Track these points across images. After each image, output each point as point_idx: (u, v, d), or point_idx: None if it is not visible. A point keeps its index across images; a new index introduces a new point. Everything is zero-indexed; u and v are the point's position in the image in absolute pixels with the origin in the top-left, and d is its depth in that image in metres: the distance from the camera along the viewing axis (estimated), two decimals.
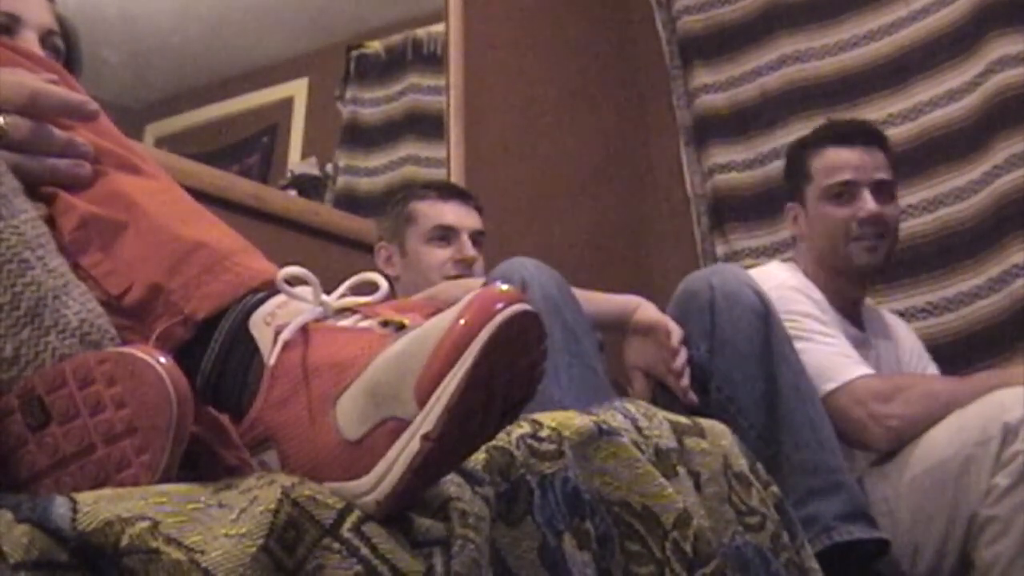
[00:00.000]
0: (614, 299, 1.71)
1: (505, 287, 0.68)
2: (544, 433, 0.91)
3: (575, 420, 0.97)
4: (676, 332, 1.64)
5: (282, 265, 0.80)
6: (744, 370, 1.61)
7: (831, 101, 2.74)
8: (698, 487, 1.07)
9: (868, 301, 2.11)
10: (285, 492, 0.65)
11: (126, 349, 0.74)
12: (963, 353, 2.26)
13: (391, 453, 0.67)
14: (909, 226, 2.50)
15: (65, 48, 1.27)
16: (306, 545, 0.63)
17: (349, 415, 0.69)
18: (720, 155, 2.91)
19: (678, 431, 1.11)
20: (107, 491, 0.64)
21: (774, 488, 1.21)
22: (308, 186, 2.25)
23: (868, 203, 1.93)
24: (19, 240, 0.78)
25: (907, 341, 2.09)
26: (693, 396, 1.59)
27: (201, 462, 0.82)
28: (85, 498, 0.61)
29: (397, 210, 1.99)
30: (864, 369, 1.79)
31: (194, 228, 0.87)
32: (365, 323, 0.75)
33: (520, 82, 2.80)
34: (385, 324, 0.74)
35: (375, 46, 2.54)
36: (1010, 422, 1.56)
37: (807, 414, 1.60)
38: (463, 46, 2.58)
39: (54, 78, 0.96)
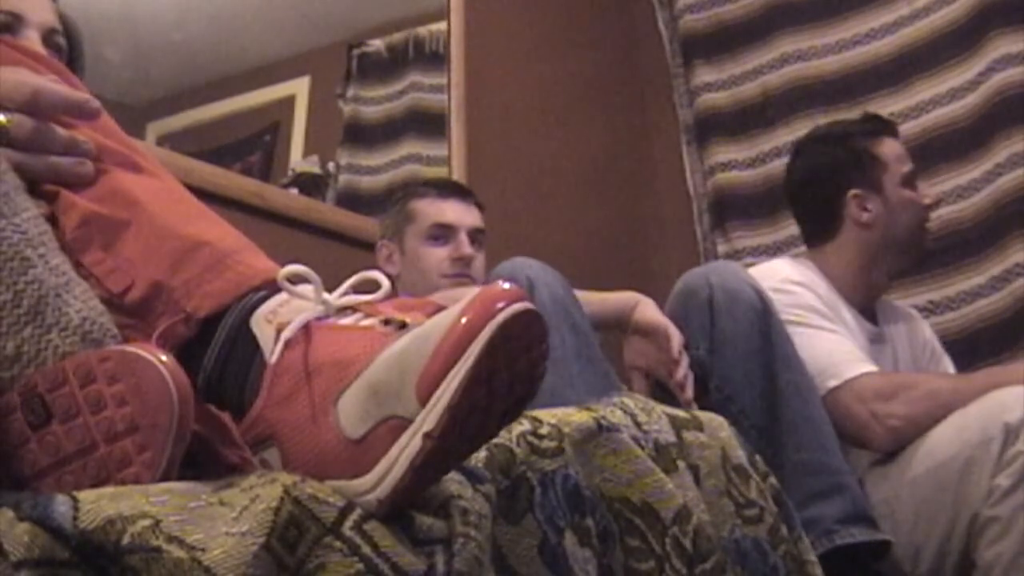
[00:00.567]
0: (612, 298, 1.71)
1: (507, 286, 0.68)
2: (544, 430, 0.91)
3: (575, 417, 0.97)
4: (676, 338, 1.63)
5: (284, 263, 0.80)
6: (744, 369, 1.61)
7: (833, 100, 2.74)
8: (697, 481, 1.07)
9: (884, 299, 2.11)
10: (286, 490, 0.65)
11: (128, 347, 0.74)
12: (965, 351, 2.26)
13: (393, 451, 0.67)
14: None
15: (67, 46, 1.28)
16: (307, 543, 0.63)
17: (351, 413, 0.69)
18: (722, 154, 2.91)
19: (677, 425, 1.11)
20: (108, 489, 0.64)
21: (772, 480, 1.21)
22: (310, 184, 2.25)
23: (930, 190, 2.06)
24: (21, 238, 0.79)
25: (921, 334, 2.09)
26: (694, 406, 1.59)
27: (202, 460, 0.82)
28: (86, 496, 0.61)
29: (397, 208, 1.99)
30: (867, 366, 1.79)
31: (196, 226, 0.87)
32: (367, 322, 0.75)
33: (522, 81, 2.79)
34: (387, 323, 0.74)
35: (377, 44, 2.54)
36: (1011, 422, 1.56)
37: (808, 414, 1.60)
38: (465, 44, 2.58)
39: (56, 77, 0.96)
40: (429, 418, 0.66)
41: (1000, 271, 2.37)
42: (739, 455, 1.18)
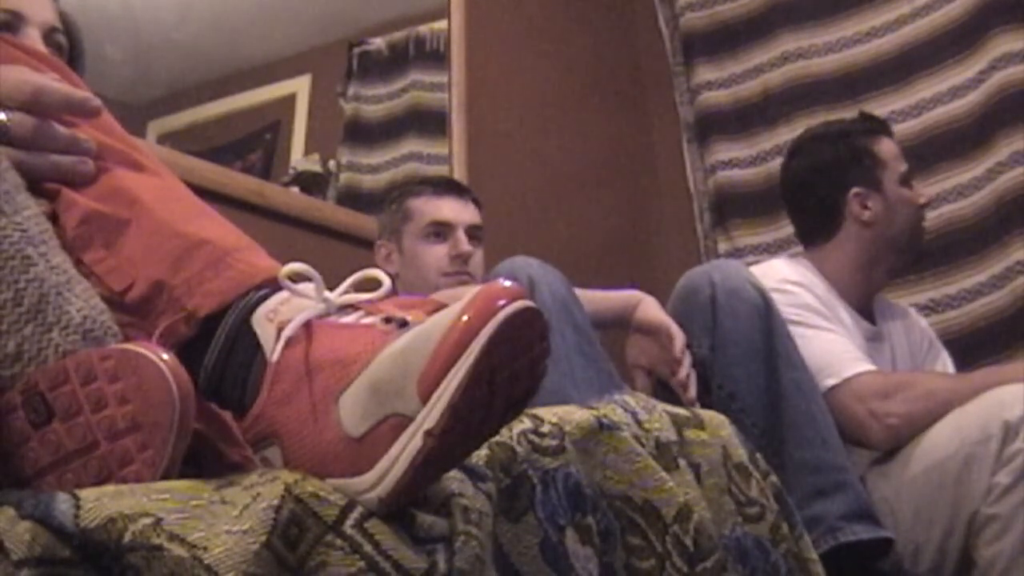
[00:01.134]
0: (613, 297, 1.71)
1: (508, 284, 0.68)
2: (545, 428, 0.91)
3: (576, 415, 0.97)
4: (679, 338, 1.63)
5: (285, 262, 0.80)
6: (746, 367, 1.61)
7: (834, 98, 2.74)
8: (699, 479, 1.07)
9: (881, 297, 2.11)
10: (288, 489, 0.65)
11: (129, 346, 0.74)
12: (966, 350, 2.26)
13: (394, 450, 0.67)
14: None
15: (68, 45, 1.28)
16: (309, 542, 0.63)
17: (352, 412, 0.69)
18: (722, 152, 2.91)
19: (678, 423, 1.11)
20: (110, 488, 0.64)
21: (773, 478, 1.21)
22: (311, 183, 2.25)
23: (925, 190, 2.10)
24: (22, 236, 0.78)
25: (918, 331, 2.10)
26: (697, 405, 1.59)
27: (204, 459, 0.81)
28: (88, 495, 0.61)
29: (394, 207, 1.99)
30: (866, 365, 1.79)
31: (197, 225, 0.87)
32: (368, 320, 0.75)
33: (522, 79, 2.79)
34: (388, 321, 0.74)
35: (377, 43, 2.54)
36: (1010, 420, 1.56)
37: (810, 412, 1.60)
38: (465, 43, 2.58)
39: (57, 75, 0.96)
40: (430, 416, 0.66)
41: (1001, 269, 2.38)
42: (740, 453, 1.18)
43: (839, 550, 1.48)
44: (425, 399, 0.66)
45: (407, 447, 0.67)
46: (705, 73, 3.01)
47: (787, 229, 2.64)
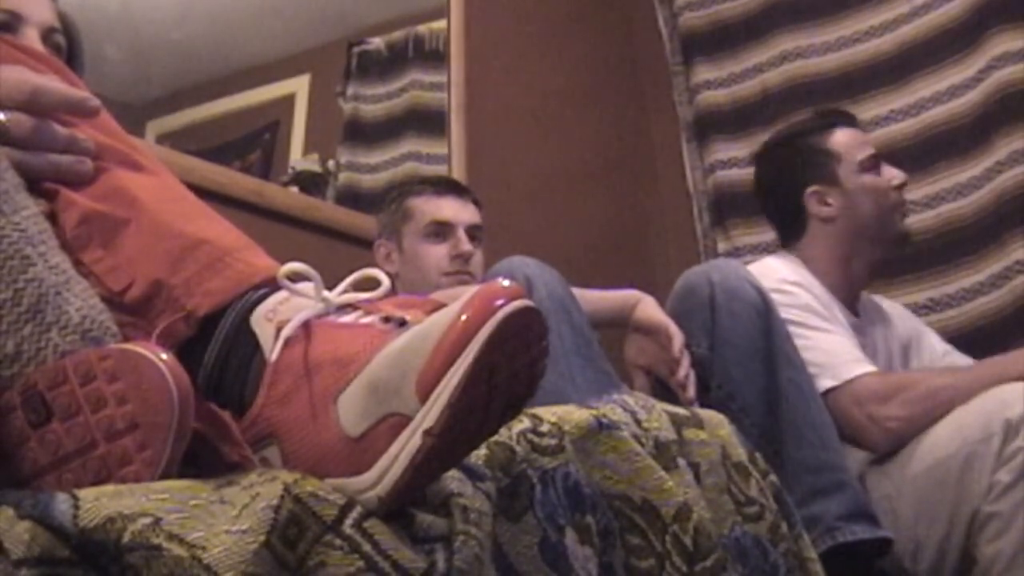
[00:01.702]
0: (612, 296, 1.71)
1: (506, 283, 0.68)
2: (545, 428, 0.91)
3: (575, 414, 0.97)
4: (678, 337, 1.63)
5: (284, 261, 0.80)
6: (745, 367, 1.61)
7: (832, 97, 2.74)
8: (698, 478, 1.07)
9: (864, 294, 2.11)
10: (287, 488, 0.65)
11: (128, 346, 0.74)
12: (965, 349, 2.25)
13: (393, 449, 0.67)
14: (910, 222, 2.49)
15: (67, 45, 1.28)
16: (308, 541, 0.63)
17: (351, 411, 0.69)
18: (721, 151, 2.91)
19: (677, 422, 1.11)
20: (109, 488, 0.64)
21: (772, 477, 1.21)
22: (310, 183, 2.25)
23: (893, 170, 2.05)
24: (21, 236, 0.78)
25: (902, 328, 2.10)
26: (696, 405, 1.59)
27: (203, 459, 0.81)
28: (87, 495, 0.61)
29: (394, 207, 1.98)
30: (865, 367, 1.79)
31: (196, 225, 0.87)
32: (367, 319, 0.75)
33: (521, 79, 2.79)
34: (387, 320, 0.74)
35: (377, 43, 2.54)
36: (1011, 418, 1.56)
37: (808, 412, 1.60)
38: (465, 43, 2.58)
39: (56, 75, 0.96)
40: (429, 415, 0.66)
41: (1000, 268, 2.37)
42: (739, 453, 1.18)
43: (838, 550, 1.48)
44: (424, 398, 0.66)
45: (406, 446, 0.67)
46: (704, 73, 3.01)
47: None
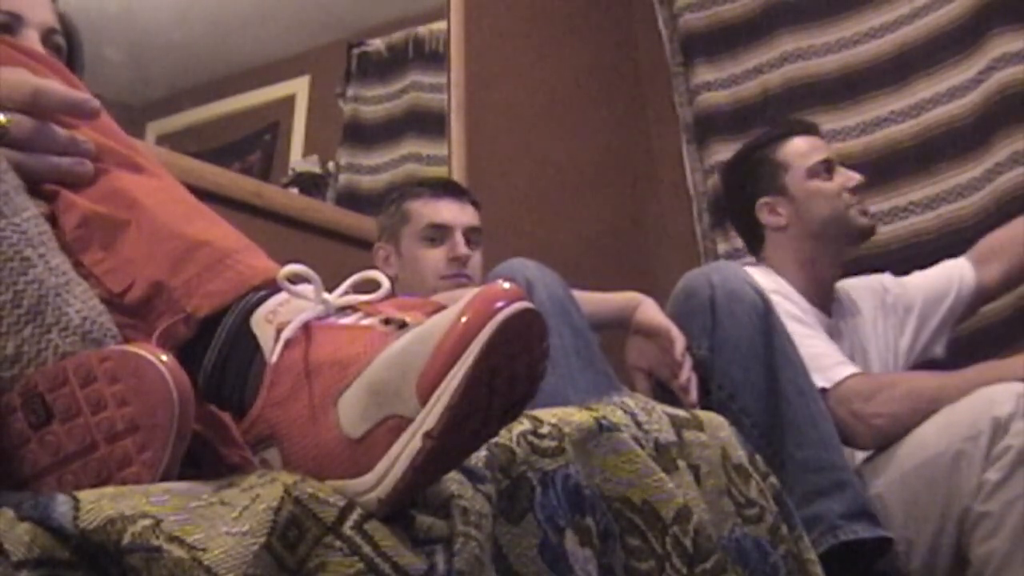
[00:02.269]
0: (612, 299, 1.71)
1: (507, 285, 0.68)
2: (545, 430, 0.91)
3: (575, 416, 0.97)
4: (680, 341, 1.63)
5: (284, 263, 0.80)
6: (745, 368, 1.61)
7: (832, 98, 2.74)
8: (698, 480, 1.08)
9: (836, 288, 2.14)
10: (287, 490, 0.65)
11: (128, 347, 0.74)
12: (965, 350, 2.25)
13: (393, 451, 0.67)
14: (911, 223, 2.50)
15: (67, 46, 1.27)
16: (308, 543, 0.63)
17: (351, 413, 0.69)
18: (722, 153, 2.90)
19: (677, 424, 1.11)
20: (109, 489, 0.64)
21: (772, 479, 1.21)
22: (310, 184, 2.25)
23: (849, 172, 2.11)
24: (21, 238, 0.79)
25: (870, 311, 2.12)
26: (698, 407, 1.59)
27: (203, 460, 0.82)
28: (87, 496, 0.61)
29: (392, 209, 1.98)
30: (849, 369, 1.82)
31: (196, 226, 0.87)
32: (367, 321, 0.75)
33: (521, 80, 2.79)
34: (387, 322, 0.74)
35: (377, 44, 2.54)
36: (1000, 417, 1.56)
37: (809, 412, 1.60)
38: (465, 44, 2.58)
39: (56, 77, 0.96)
40: (429, 417, 0.66)
41: None
42: (739, 455, 1.18)
43: (838, 549, 1.48)
44: (424, 400, 0.66)
45: (406, 448, 0.67)
46: (704, 74, 3.01)
47: None
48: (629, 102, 3.16)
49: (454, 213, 1.94)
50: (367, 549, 0.64)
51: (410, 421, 0.67)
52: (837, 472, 1.57)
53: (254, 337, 0.78)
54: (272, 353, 0.75)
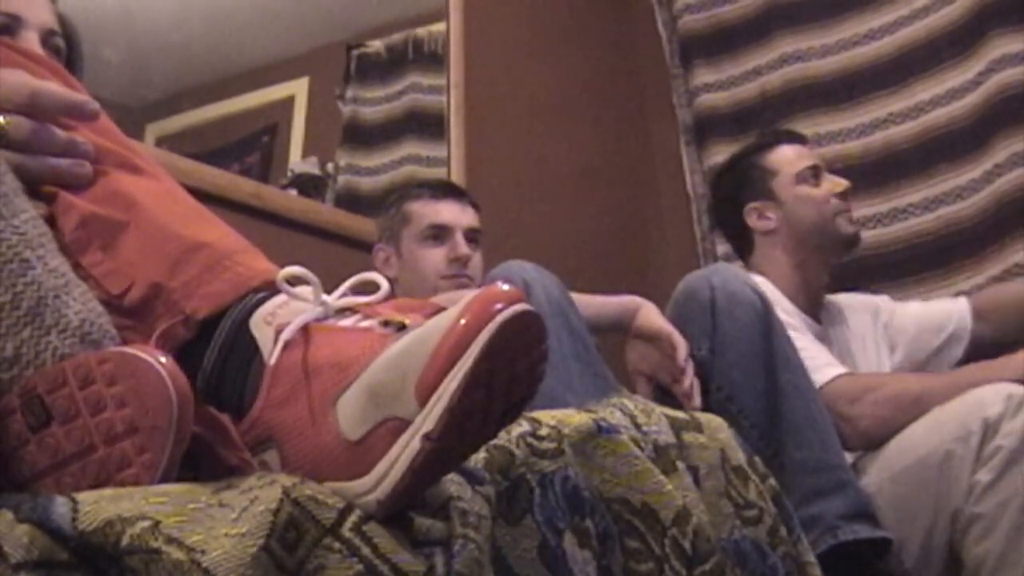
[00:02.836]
0: (612, 302, 1.71)
1: (506, 287, 0.68)
2: (544, 431, 0.91)
3: (574, 418, 0.97)
4: (682, 346, 1.63)
5: (283, 265, 0.80)
6: (745, 370, 1.61)
7: (831, 100, 2.74)
8: (697, 482, 1.07)
9: (827, 298, 2.15)
10: (286, 492, 0.65)
11: (127, 349, 0.74)
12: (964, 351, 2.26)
13: (392, 453, 0.67)
14: (910, 225, 2.50)
15: (66, 48, 1.27)
16: (307, 545, 0.63)
17: (350, 415, 0.69)
18: (721, 154, 2.90)
19: (676, 426, 1.11)
20: (108, 491, 0.64)
21: (771, 481, 1.21)
22: (309, 185, 2.24)
23: (835, 179, 2.15)
24: (20, 239, 0.78)
25: (860, 326, 2.12)
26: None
27: (202, 462, 0.81)
28: (86, 498, 0.61)
29: (392, 211, 1.99)
30: (836, 370, 1.82)
31: (195, 228, 0.87)
32: (366, 323, 0.75)
33: (521, 81, 2.80)
34: (386, 324, 0.74)
35: (376, 45, 2.54)
36: (990, 417, 1.56)
37: (808, 413, 1.60)
38: (464, 45, 2.58)
39: (55, 78, 0.96)
40: (428, 419, 0.66)
41: (1000, 271, 2.37)
42: (738, 456, 1.18)
43: (837, 550, 1.49)
44: (423, 402, 0.66)
45: (405, 450, 0.67)
46: (703, 75, 3.01)
47: None
48: (628, 103, 3.16)
49: (455, 214, 1.94)
50: (366, 551, 0.64)
51: (409, 423, 0.67)
52: (836, 472, 1.57)
53: (253, 339, 0.78)
54: (271, 355, 0.75)
